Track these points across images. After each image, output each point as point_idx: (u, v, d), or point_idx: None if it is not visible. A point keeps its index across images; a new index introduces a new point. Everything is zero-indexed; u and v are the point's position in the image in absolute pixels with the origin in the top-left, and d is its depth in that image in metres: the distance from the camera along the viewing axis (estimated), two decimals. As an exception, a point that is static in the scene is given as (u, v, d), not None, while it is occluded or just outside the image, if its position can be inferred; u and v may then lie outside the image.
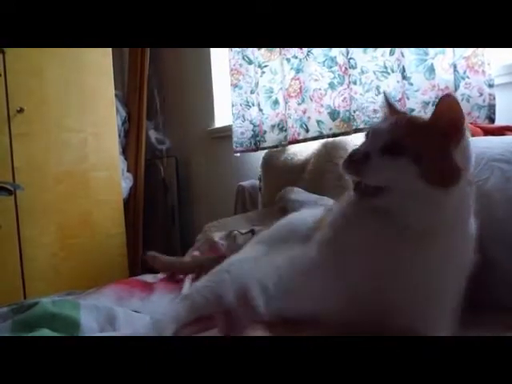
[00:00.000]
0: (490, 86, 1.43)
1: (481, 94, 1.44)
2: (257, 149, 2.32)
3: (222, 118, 2.71)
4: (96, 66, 2.48)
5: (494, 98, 1.42)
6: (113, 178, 2.52)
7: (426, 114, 1.55)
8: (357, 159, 0.72)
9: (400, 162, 0.70)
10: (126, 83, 2.95)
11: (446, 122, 0.71)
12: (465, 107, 1.43)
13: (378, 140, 0.74)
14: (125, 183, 2.65)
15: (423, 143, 0.71)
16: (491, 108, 1.41)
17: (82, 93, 2.40)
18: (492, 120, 1.40)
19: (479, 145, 1.10)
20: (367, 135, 0.78)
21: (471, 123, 1.34)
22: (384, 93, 0.93)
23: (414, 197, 0.71)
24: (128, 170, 2.76)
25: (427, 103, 1.56)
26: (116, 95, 2.63)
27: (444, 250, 0.74)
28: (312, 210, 1.21)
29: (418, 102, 1.58)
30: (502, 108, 1.42)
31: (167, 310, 0.99)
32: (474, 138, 1.18)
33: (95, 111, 2.46)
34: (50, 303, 1.01)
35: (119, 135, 2.68)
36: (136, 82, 2.81)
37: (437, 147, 0.71)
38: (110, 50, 2.53)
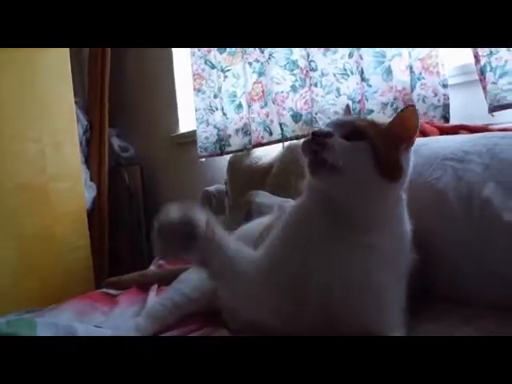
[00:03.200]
0: (445, 86, 1.46)
1: (435, 95, 1.47)
2: (222, 153, 2.31)
3: (186, 123, 2.68)
4: (53, 71, 2.35)
5: (448, 98, 1.46)
6: (75, 188, 2.42)
7: (385, 115, 1.58)
8: (320, 134, 0.77)
9: (359, 146, 0.77)
10: (87, 89, 2.87)
11: (403, 128, 0.81)
12: (421, 107, 1.46)
13: (341, 127, 0.80)
14: (88, 193, 2.58)
15: (380, 138, 0.79)
16: (446, 108, 1.45)
17: (38, 100, 2.26)
18: (447, 119, 1.44)
19: (434, 145, 1.12)
20: (328, 125, 0.83)
21: (427, 122, 1.37)
22: (347, 105, 1.07)
23: (363, 184, 0.78)
24: (91, 179, 2.68)
25: (386, 104, 1.59)
26: (76, 102, 2.55)
27: (382, 245, 0.79)
28: (263, 218, 1.23)
29: (377, 104, 1.61)
30: (456, 107, 1.46)
31: (128, 325, 0.98)
32: (428, 138, 1.21)
33: (54, 120, 2.33)
34: (5, 323, 0.96)
35: (80, 143, 2.60)
36: (97, 88, 2.73)
37: (390, 145, 0.80)
38: (67, 53, 2.39)
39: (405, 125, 0.81)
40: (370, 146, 0.77)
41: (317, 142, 0.77)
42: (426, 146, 1.11)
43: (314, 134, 0.77)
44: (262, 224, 1.11)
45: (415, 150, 0.87)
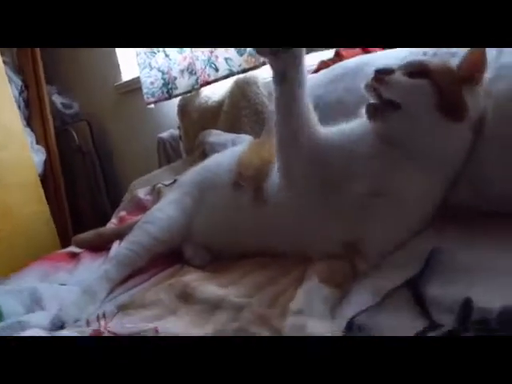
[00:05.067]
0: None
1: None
2: (170, 97, 2.24)
3: (128, 70, 2.56)
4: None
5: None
6: (21, 154, 2.30)
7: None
8: (382, 70, 0.77)
9: (421, 82, 0.75)
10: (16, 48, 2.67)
11: (470, 67, 0.78)
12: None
13: (409, 65, 0.79)
14: (37, 157, 2.48)
15: (446, 77, 0.76)
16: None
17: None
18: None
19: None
20: (401, 64, 0.82)
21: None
22: None
23: (424, 122, 0.76)
24: (38, 143, 2.57)
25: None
26: (5, 62, 2.37)
27: (416, 182, 0.78)
28: (226, 152, 1.21)
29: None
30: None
31: (96, 274, 0.97)
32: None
33: (-19, 85, 2.19)
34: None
35: (19, 106, 2.45)
36: (25, 45, 2.55)
37: (455, 85, 0.76)
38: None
39: (472, 64, 0.78)
40: (433, 84, 0.75)
41: (378, 79, 0.77)
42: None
43: (375, 70, 0.78)
44: (230, 158, 1.09)
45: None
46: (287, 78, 0.78)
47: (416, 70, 0.77)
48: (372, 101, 0.80)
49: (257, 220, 0.93)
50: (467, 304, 0.60)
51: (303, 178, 0.84)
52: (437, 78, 0.76)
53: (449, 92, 0.75)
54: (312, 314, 0.67)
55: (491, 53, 0.87)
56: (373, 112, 0.78)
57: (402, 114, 0.76)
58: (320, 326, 0.65)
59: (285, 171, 0.86)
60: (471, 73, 0.78)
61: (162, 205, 1.14)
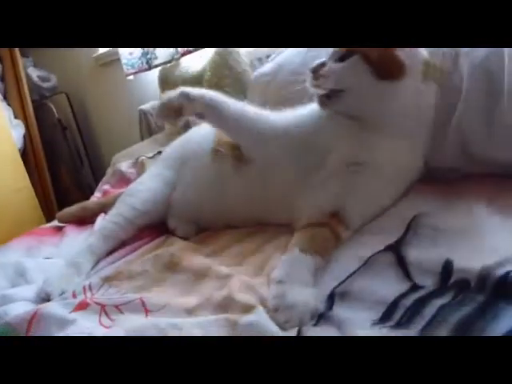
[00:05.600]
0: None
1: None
2: (149, 68, 2.19)
3: (105, 40, 2.48)
4: None
5: None
6: (-1, 129, 2.26)
7: None
8: (316, 68, 0.83)
9: (352, 61, 0.79)
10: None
11: None
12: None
13: (335, 53, 0.83)
14: (16, 132, 2.41)
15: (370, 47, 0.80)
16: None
17: None
18: None
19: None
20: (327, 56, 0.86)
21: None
22: None
23: (368, 92, 0.80)
24: (16, 117, 2.50)
25: None
26: (-24, 34, 2.28)
27: (388, 149, 0.81)
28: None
29: None
30: None
31: (81, 247, 0.97)
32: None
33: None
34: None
35: (-7, 80, 2.38)
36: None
37: (382, 48, 0.79)
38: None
39: None
40: (362, 56, 0.78)
41: (313, 77, 0.83)
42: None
43: (310, 70, 0.83)
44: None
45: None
46: (205, 119, 0.91)
47: (344, 53, 0.81)
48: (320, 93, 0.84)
49: (240, 184, 0.94)
50: (448, 265, 0.62)
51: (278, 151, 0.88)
52: (363, 51, 0.79)
53: (379, 57, 0.78)
54: (294, 283, 0.68)
55: None
56: (323, 103, 0.84)
57: (348, 96, 0.81)
58: (302, 294, 0.66)
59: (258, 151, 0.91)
60: None
61: (143, 178, 1.15)
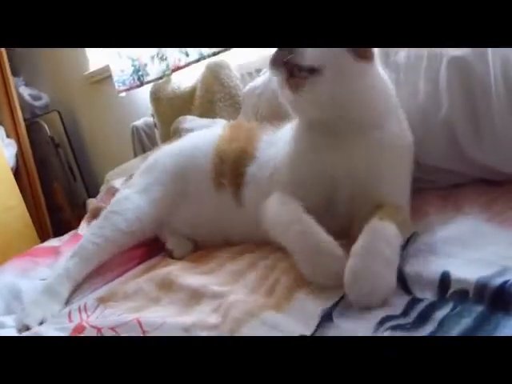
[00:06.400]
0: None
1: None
2: (141, 84, 2.19)
3: (96, 58, 2.49)
4: None
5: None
6: (-10, 149, 2.25)
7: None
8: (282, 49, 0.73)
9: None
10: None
11: None
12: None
13: None
14: (8, 151, 2.40)
15: None
16: None
17: None
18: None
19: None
20: None
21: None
22: None
23: (344, 74, 0.74)
24: (8, 136, 2.49)
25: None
26: (-33, 55, 2.29)
27: (390, 129, 0.79)
28: (202, 134, 1.17)
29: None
30: None
31: (59, 271, 0.94)
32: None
33: None
34: None
35: (-15, 100, 2.38)
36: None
37: None
38: None
39: None
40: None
41: (286, 51, 0.72)
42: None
43: (278, 49, 0.74)
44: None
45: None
46: None
47: None
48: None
49: (239, 218, 0.93)
50: (445, 276, 0.62)
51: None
52: None
53: None
54: (376, 256, 0.63)
55: None
56: (296, 85, 0.74)
57: (329, 76, 0.73)
58: (383, 271, 0.62)
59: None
60: None
61: (130, 193, 1.05)
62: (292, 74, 0.73)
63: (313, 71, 0.73)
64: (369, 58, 0.77)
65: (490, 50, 0.86)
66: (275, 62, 0.74)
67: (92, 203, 1.50)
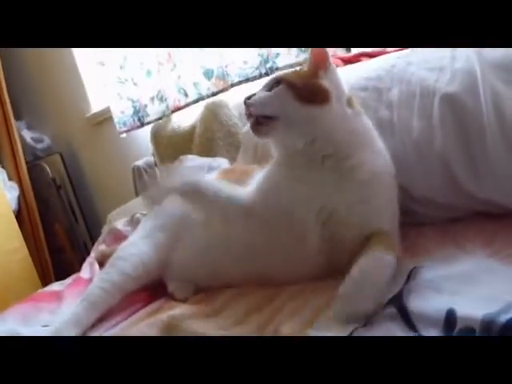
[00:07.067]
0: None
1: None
2: (142, 125, 2.23)
3: (97, 100, 2.55)
4: None
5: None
6: (-8, 192, 2.28)
7: (291, 54, 1.59)
8: (245, 100, 0.89)
9: (278, 89, 0.87)
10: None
11: (316, 57, 0.89)
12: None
13: (267, 84, 0.92)
14: (10, 194, 2.43)
15: (296, 76, 0.90)
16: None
17: None
18: (348, 49, 1.47)
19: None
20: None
21: (331, 55, 1.39)
22: None
23: (296, 117, 0.86)
24: (10, 179, 2.52)
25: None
26: (-29, 102, 2.34)
27: (364, 161, 0.85)
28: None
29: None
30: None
31: (67, 317, 0.93)
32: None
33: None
34: None
35: (-13, 144, 2.42)
36: (-10, 83, 2.51)
37: (307, 76, 0.88)
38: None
39: (316, 54, 0.89)
40: (287, 85, 0.86)
41: (247, 105, 0.88)
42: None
43: (244, 101, 0.89)
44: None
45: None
46: None
47: (271, 83, 0.90)
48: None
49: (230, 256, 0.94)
50: (451, 314, 0.61)
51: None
52: (288, 80, 0.87)
53: (304, 84, 0.86)
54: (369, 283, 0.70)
55: (446, 58, 0.94)
56: (258, 130, 0.89)
57: (279, 121, 0.86)
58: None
59: None
60: (319, 62, 0.89)
61: (135, 238, 1.10)
62: (258, 121, 0.88)
63: (271, 118, 0.86)
64: (321, 102, 0.85)
65: (480, 83, 0.88)
66: (245, 114, 0.90)
67: (97, 252, 1.49)
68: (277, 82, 0.89)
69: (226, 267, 0.96)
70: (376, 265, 0.73)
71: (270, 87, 0.89)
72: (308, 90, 0.86)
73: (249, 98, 0.90)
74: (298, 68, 0.97)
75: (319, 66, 0.88)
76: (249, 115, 0.89)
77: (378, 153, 0.89)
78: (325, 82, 0.87)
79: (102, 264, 1.32)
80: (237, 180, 0.99)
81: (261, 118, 0.87)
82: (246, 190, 0.94)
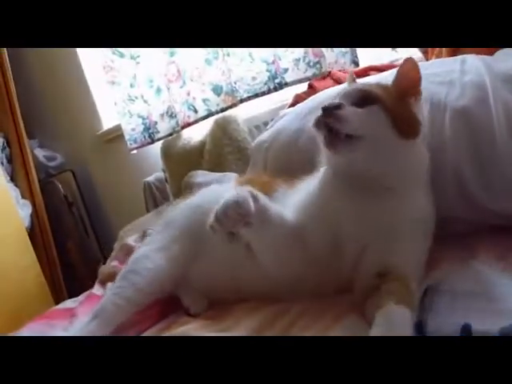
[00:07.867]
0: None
1: (343, 41, 1.51)
2: (152, 141, 2.26)
3: (108, 118, 2.59)
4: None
5: (355, 43, 1.50)
6: (6, 209, 2.30)
7: (300, 70, 1.60)
8: (330, 108, 0.75)
9: (372, 109, 0.76)
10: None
11: (408, 81, 0.81)
12: (330, 56, 1.49)
13: (350, 96, 0.80)
14: (23, 211, 2.46)
15: (390, 98, 0.78)
16: (353, 52, 1.48)
17: None
18: (356, 63, 1.48)
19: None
20: (337, 96, 0.82)
21: (339, 70, 1.40)
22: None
23: (383, 146, 0.76)
24: (23, 197, 2.56)
25: (298, 60, 1.61)
26: (-15, 121, 2.39)
27: (412, 204, 0.79)
28: (214, 189, 1.19)
29: (290, 61, 1.62)
30: (363, 50, 1.50)
31: (81, 333, 0.93)
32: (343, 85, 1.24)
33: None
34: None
35: (1, 163, 2.46)
36: (3, 100, 2.56)
37: (401, 102, 0.79)
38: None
39: (408, 77, 0.81)
40: (383, 108, 0.76)
41: (328, 115, 0.75)
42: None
43: (323, 108, 0.75)
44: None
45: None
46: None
47: (362, 98, 0.78)
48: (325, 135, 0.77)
49: (253, 269, 0.91)
50: (466, 329, 0.61)
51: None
52: (384, 102, 0.77)
53: (399, 111, 0.77)
54: None
55: (455, 71, 0.94)
56: (335, 146, 0.76)
57: (367, 144, 0.75)
58: None
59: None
60: (410, 88, 0.81)
61: (148, 250, 1.05)
62: (331, 131, 0.75)
63: (351, 137, 0.75)
64: (412, 136, 0.78)
65: (490, 96, 0.88)
66: (317, 124, 0.77)
67: (103, 271, 1.50)
68: (369, 97, 0.78)
69: (255, 281, 0.92)
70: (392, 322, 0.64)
71: (359, 103, 0.78)
72: (403, 118, 0.77)
73: (330, 108, 0.76)
74: (381, 83, 0.85)
75: (410, 92, 0.81)
76: (326, 126, 0.76)
77: (427, 196, 0.83)
78: (416, 111, 0.80)
79: (104, 283, 1.33)
80: (259, 190, 0.98)
81: (343, 135, 0.75)
82: (289, 210, 0.86)
